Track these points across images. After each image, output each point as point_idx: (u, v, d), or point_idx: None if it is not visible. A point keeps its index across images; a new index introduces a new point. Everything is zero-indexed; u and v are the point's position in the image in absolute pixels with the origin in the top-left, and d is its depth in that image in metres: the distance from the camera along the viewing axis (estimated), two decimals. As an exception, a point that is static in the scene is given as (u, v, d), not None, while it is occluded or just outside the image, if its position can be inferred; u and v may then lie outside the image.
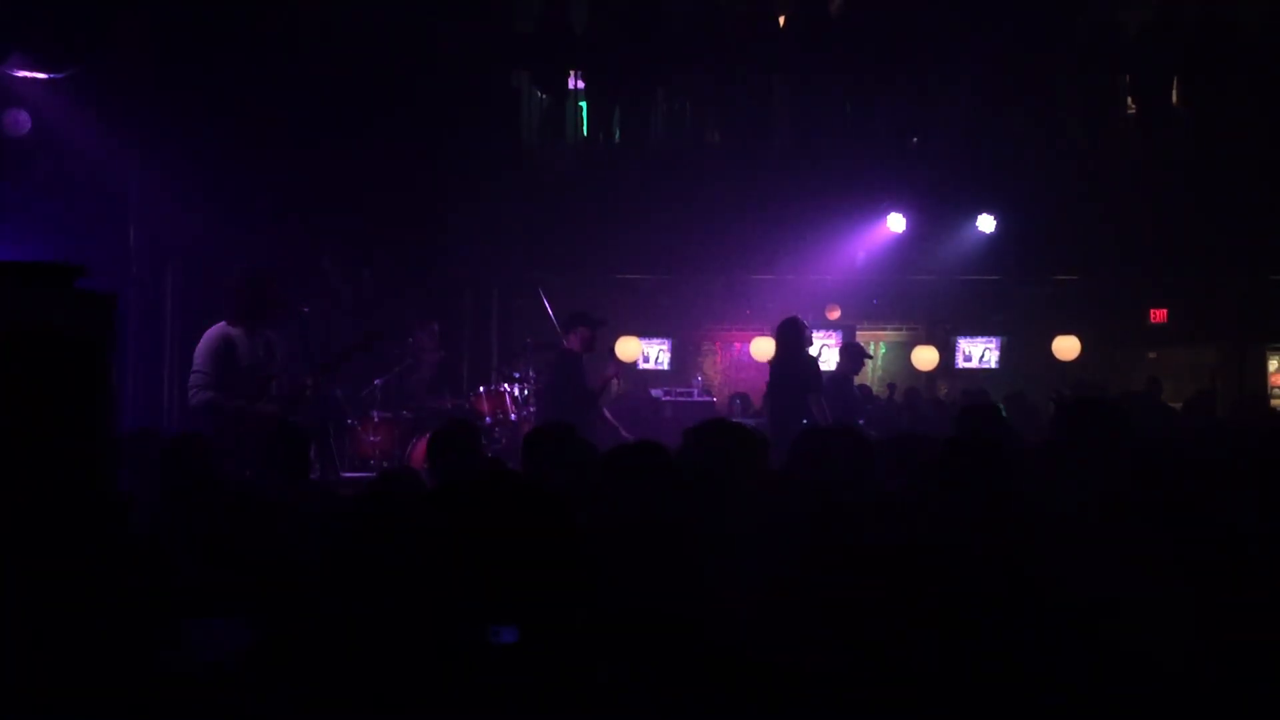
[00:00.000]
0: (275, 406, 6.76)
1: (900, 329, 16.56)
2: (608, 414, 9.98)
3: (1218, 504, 3.83)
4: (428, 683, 1.91)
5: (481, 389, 9.93)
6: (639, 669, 2.21)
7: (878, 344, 16.65)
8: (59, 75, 8.49)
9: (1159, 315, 15.64)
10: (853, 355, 11.68)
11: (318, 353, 7.00)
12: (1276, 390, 15.76)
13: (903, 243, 11.71)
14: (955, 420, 6.24)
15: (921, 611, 1.55)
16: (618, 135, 11.51)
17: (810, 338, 9.73)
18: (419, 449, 8.73)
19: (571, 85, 11.46)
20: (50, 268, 2.42)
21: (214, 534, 2.97)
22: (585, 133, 11.56)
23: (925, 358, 15.51)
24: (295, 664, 2.21)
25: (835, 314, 13.28)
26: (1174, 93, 11.58)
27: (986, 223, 11.44)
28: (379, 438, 9.23)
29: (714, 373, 16.47)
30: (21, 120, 8.46)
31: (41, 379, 2.31)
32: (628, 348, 15.32)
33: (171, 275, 9.55)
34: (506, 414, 9.80)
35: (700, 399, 13.40)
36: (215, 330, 6.91)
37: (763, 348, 15.24)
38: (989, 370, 16.13)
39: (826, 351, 12.85)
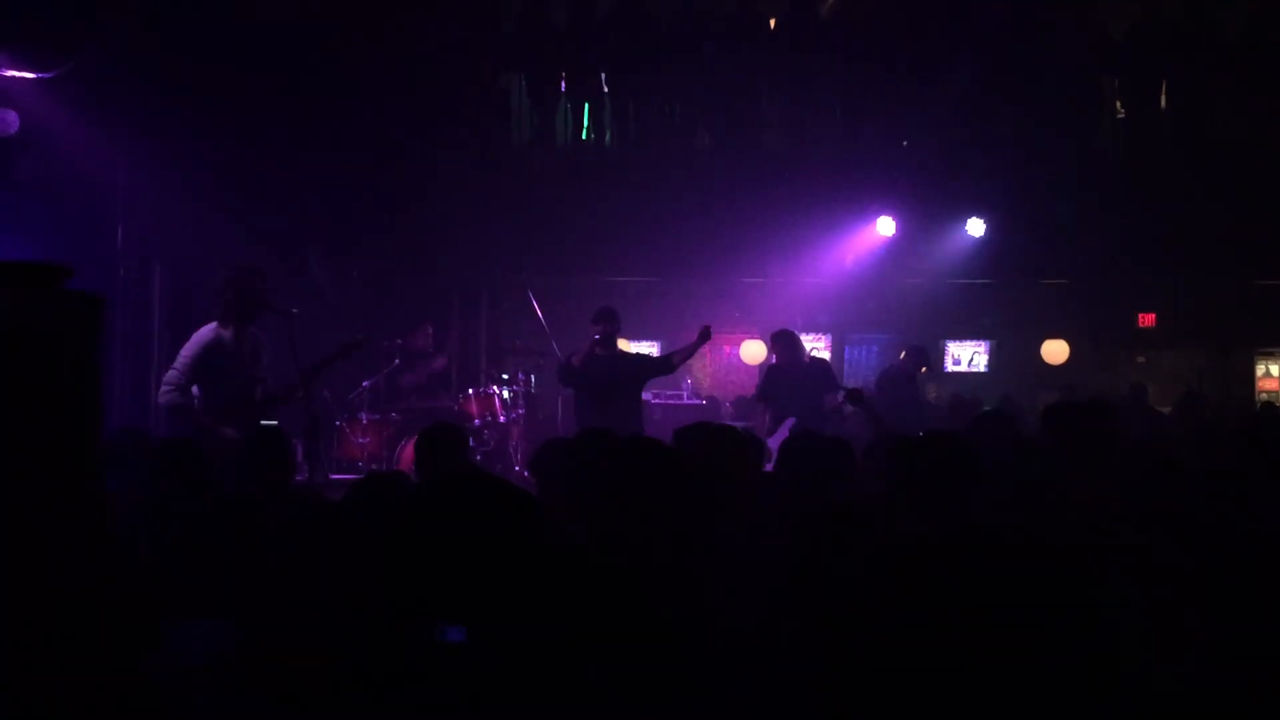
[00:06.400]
0: (236, 431, 6.61)
1: (889, 332, 16.54)
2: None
3: (1209, 504, 3.84)
4: (401, 686, 1.90)
5: (470, 391, 9.92)
6: (625, 672, 2.20)
7: (867, 348, 16.64)
8: (48, 75, 8.47)
9: (1147, 319, 15.66)
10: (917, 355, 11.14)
11: (305, 354, 6.96)
12: (1263, 395, 15.79)
13: (892, 247, 11.71)
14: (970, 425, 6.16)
15: (916, 613, 1.54)
16: (608, 138, 11.49)
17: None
18: (408, 451, 8.72)
19: (561, 88, 11.45)
20: (37, 268, 2.40)
21: (198, 536, 2.95)
22: (574, 135, 11.53)
23: (914, 361, 15.51)
24: (277, 667, 2.20)
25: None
26: (1162, 97, 11.60)
27: (976, 227, 11.45)
28: (367, 439, 9.23)
29: (704, 375, 16.44)
30: (10, 120, 8.42)
31: (28, 381, 2.29)
32: (617, 350, 15.28)
33: (159, 276, 9.53)
34: (495, 416, 9.79)
35: (690, 401, 13.38)
36: (205, 332, 6.88)
37: (753, 351, 15.23)
38: (978, 374, 16.12)
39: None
